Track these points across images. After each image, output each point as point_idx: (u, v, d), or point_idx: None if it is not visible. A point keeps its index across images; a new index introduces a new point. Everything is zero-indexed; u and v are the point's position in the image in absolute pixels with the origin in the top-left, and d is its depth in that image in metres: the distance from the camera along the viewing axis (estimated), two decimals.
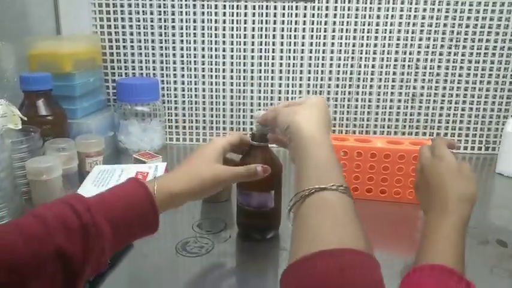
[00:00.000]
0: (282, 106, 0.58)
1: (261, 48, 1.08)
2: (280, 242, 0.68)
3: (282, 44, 1.08)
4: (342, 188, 0.44)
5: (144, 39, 1.09)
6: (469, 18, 1.04)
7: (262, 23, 1.06)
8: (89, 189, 0.75)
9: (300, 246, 0.40)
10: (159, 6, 1.07)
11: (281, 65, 1.09)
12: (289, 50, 1.08)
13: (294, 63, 1.09)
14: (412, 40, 1.06)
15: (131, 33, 1.09)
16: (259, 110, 1.00)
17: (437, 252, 0.47)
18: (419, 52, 1.07)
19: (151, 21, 1.08)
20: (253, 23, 1.07)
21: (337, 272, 0.35)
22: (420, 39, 1.06)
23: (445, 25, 1.04)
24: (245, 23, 1.07)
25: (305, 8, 1.05)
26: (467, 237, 0.69)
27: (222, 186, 0.57)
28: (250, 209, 0.66)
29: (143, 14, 1.07)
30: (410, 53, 1.07)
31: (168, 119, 1.14)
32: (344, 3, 1.04)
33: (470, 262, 0.63)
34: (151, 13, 1.07)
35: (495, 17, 1.03)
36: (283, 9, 1.05)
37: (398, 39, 1.06)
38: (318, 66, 1.09)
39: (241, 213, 0.68)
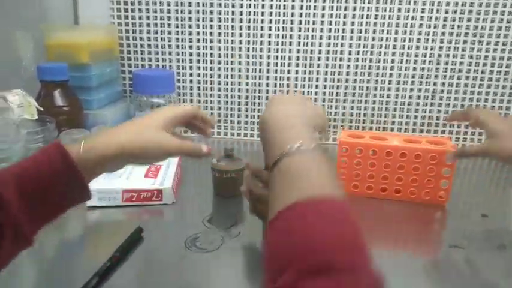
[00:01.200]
0: None
1: (277, 41, 1.07)
2: None
3: (299, 37, 1.06)
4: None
5: (161, 31, 1.09)
6: (495, 12, 1.00)
7: (279, 16, 1.05)
8: (102, 181, 0.75)
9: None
10: None
11: (298, 58, 1.08)
12: (306, 43, 1.06)
13: (311, 57, 1.07)
14: (434, 35, 1.03)
15: (148, 24, 1.09)
16: None
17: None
18: (440, 48, 1.04)
19: (168, 13, 1.07)
20: (271, 15, 1.05)
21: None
22: (442, 34, 1.03)
23: (468, 19, 1.01)
24: (262, 15, 1.05)
25: (324, 2, 1.02)
26: (484, 241, 0.68)
27: (167, 156, 0.52)
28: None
29: (160, 5, 1.07)
30: (431, 48, 1.04)
31: None
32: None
33: (485, 267, 0.62)
34: (168, 4, 1.07)
35: None
36: (302, 2, 1.03)
37: (419, 34, 1.03)
38: (335, 60, 1.07)
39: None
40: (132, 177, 0.78)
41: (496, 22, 1.00)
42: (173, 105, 0.54)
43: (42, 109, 0.84)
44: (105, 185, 0.74)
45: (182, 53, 1.10)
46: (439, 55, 1.04)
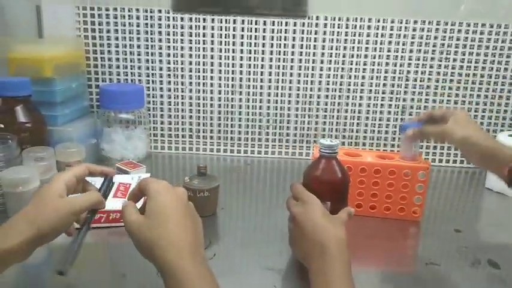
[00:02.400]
0: None
1: (249, 57, 1.06)
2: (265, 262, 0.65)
3: (271, 53, 1.06)
4: None
5: (130, 44, 1.06)
6: (459, 31, 1.03)
7: (251, 31, 1.04)
8: None
9: None
10: (146, 11, 1.04)
11: (270, 74, 1.07)
12: (279, 59, 1.06)
13: (283, 73, 1.07)
14: (402, 52, 1.05)
15: (116, 38, 1.06)
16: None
17: None
18: (409, 64, 1.06)
19: (138, 26, 1.05)
20: (242, 31, 1.04)
21: None
22: (410, 52, 1.05)
23: (435, 38, 1.04)
24: (234, 30, 1.04)
25: (295, 19, 1.03)
26: (459, 257, 0.68)
27: (77, 217, 0.54)
28: None
29: (129, 19, 1.04)
30: (400, 65, 1.06)
31: (153, 127, 1.11)
32: (334, 21, 1.02)
33: (461, 283, 0.62)
34: (138, 18, 1.04)
35: (485, 30, 1.03)
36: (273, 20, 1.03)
37: (388, 51, 1.05)
38: (307, 77, 1.07)
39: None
40: None
41: (461, 40, 1.03)
42: (61, 173, 0.55)
43: (2, 126, 0.79)
44: None
45: (152, 67, 1.08)
46: (408, 72, 1.06)
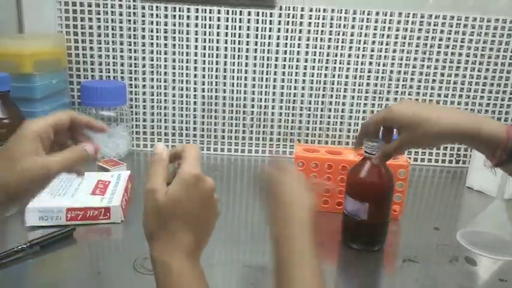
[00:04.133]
0: None
1: (233, 55, 1.06)
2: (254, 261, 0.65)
3: (255, 51, 1.05)
4: None
5: (113, 41, 1.05)
6: (442, 31, 1.04)
7: (235, 29, 1.04)
8: (44, 198, 0.70)
9: None
10: (129, 7, 1.03)
11: (254, 72, 1.07)
12: (263, 57, 1.06)
13: (267, 71, 1.07)
14: (385, 52, 1.05)
15: (99, 34, 1.05)
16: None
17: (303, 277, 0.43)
18: (392, 64, 1.06)
19: (120, 22, 1.04)
20: (227, 28, 1.04)
21: None
22: (394, 51, 1.05)
23: (418, 37, 1.04)
24: (218, 27, 1.04)
25: (279, 15, 1.03)
26: (437, 255, 0.69)
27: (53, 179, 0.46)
28: (345, 212, 0.69)
29: (112, 15, 1.03)
30: (383, 65, 1.06)
31: (136, 124, 1.10)
32: (319, 12, 1.02)
33: (439, 280, 0.63)
34: (121, 14, 1.03)
35: (467, 31, 1.04)
36: (257, 15, 1.03)
37: (372, 51, 1.05)
38: (291, 75, 1.07)
39: (343, 216, 0.71)
40: (77, 195, 0.73)
41: (444, 40, 1.04)
42: (29, 123, 0.46)
43: None
44: (48, 203, 0.69)
45: (135, 64, 1.06)
46: (391, 71, 1.07)
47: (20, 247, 0.60)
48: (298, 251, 0.45)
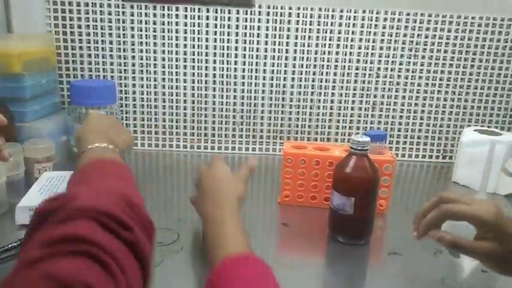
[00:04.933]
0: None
1: (223, 53, 1.07)
2: None
3: (244, 49, 1.06)
4: None
5: (102, 40, 1.05)
6: (427, 29, 1.05)
7: (223, 27, 1.05)
8: (35, 197, 0.71)
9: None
10: (118, 7, 1.03)
11: (243, 70, 1.08)
12: (252, 55, 1.07)
13: (256, 69, 1.08)
14: (373, 49, 1.07)
15: (88, 33, 1.05)
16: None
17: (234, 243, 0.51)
18: (379, 61, 1.08)
19: (110, 22, 1.04)
20: (215, 27, 1.05)
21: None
22: (381, 49, 1.07)
23: (404, 35, 1.06)
24: (207, 26, 1.05)
25: (267, 14, 1.04)
26: (421, 247, 0.70)
27: None
28: (332, 207, 0.71)
29: (101, 14, 1.04)
30: (371, 62, 1.08)
31: (126, 123, 1.11)
32: (306, 10, 1.04)
33: (422, 272, 0.64)
34: (110, 13, 1.04)
35: (452, 28, 1.05)
36: (246, 14, 1.04)
37: (359, 48, 1.07)
38: (280, 73, 1.08)
39: (329, 210, 0.73)
40: None
41: (430, 38, 1.06)
42: None
43: None
44: (38, 202, 0.69)
45: (124, 63, 1.07)
46: (378, 68, 1.08)
47: (10, 245, 0.61)
48: (225, 232, 0.53)
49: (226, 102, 1.10)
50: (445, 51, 1.07)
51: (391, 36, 1.06)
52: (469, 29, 1.05)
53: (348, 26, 1.05)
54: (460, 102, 1.11)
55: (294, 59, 1.07)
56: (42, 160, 0.84)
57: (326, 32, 1.06)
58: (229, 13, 1.04)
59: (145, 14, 1.03)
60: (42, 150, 0.84)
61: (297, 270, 0.63)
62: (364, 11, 1.04)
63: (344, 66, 1.08)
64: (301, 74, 1.08)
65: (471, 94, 1.10)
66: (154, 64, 1.07)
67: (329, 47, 1.07)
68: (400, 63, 1.08)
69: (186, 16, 1.04)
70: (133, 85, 1.09)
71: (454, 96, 1.10)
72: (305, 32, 1.05)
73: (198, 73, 1.08)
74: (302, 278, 0.61)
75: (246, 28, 1.05)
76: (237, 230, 0.53)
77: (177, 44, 1.06)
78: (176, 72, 1.08)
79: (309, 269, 0.64)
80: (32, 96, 0.94)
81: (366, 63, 1.08)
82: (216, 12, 1.03)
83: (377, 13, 1.04)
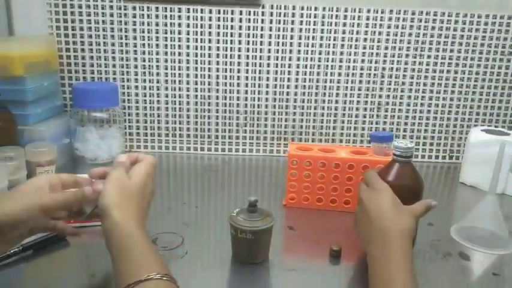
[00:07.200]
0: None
1: (226, 54, 1.05)
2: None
3: (247, 50, 1.05)
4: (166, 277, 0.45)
5: (104, 42, 1.05)
6: (433, 28, 1.04)
7: (226, 28, 1.04)
8: None
9: None
10: (120, 8, 1.02)
11: (247, 71, 1.07)
12: (255, 56, 1.06)
13: (260, 70, 1.07)
14: (378, 49, 1.06)
15: (90, 36, 1.04)
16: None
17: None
18: (385, 61, 1.06)
19: (111, 24, 1.03)
20: (218, 28, 1.04)
21: None
22: (386, 49, 1.06)
23: (410, 35, 1.05)
24: (210, 27, 1.04)
25: (271, 14, 1.03)
26: (431, 250, 0.69)
27: (52, 214, 0.54)
28: None
29: (102, 16, 1.03)
30: (376, 62, 1.07)
31: (129, 126, 1.10)
32: (310, 10, 1.03)
33: (432, 275, 0.63)
34: (111, 15, 1.03)
35: (458, 27, 1.04)
36: (249, 14, 1.03)
37: (364, 48, 1.05)
38: (284, 74, 1.07)
39: None
40: None
41: (435, 37, 1.05)
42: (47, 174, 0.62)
43: None
44: None
45: (127, 65, 1.06)
46: (383, 69, 1.07)
47: (12, 251, 0.60)
48: (394, 270, 0.49)
49: (230, 103, 1.09)
50: (451, 50, 1.06)
51: (396, 35, 1.05)
52: (475, 27, 1.04)
53: (353, 26, 1.04)
54: (466, 101, 1.09)
55: (298, 59, 1.06)
56: (45, 163, 0.83)
57: (330, 32, 1.04)
58: (232, 14, 1.03)
59: (148, 16, 1.03)
60: (44, 153, 0.83)
61: (304, 274, 0.61)
62: (368, 10, 1.03)
63: (349, 66, 1.07)
64: (305, 74, 1.07)
65: (478, 93, 1.09)
66: (157, 66, 1.06)
67: (333, 47, 1.05)
68: (406, 63, 1.07)
69: (188, 17, 1.03)
70: (136, 87, 1.08)
71: (460, 96, 1.09)
72: (309, 32, 1.04)
73: (201, 74, 1.07)
74: (309, 282, 0.60)
75: (249, 29, 1.04)
76: None
77: (179, 45, 1.05)
78: (179, 73, 1.07)
79: (315, 273, 0.62)
80: (34, 99, 0.93)
81: (371, 63, 1.07)
82: (219, 12, 1.02)
83: (382, 12, 1.03)
